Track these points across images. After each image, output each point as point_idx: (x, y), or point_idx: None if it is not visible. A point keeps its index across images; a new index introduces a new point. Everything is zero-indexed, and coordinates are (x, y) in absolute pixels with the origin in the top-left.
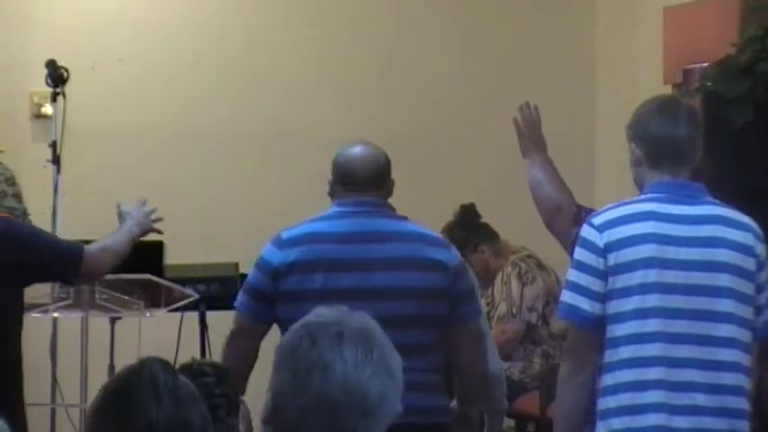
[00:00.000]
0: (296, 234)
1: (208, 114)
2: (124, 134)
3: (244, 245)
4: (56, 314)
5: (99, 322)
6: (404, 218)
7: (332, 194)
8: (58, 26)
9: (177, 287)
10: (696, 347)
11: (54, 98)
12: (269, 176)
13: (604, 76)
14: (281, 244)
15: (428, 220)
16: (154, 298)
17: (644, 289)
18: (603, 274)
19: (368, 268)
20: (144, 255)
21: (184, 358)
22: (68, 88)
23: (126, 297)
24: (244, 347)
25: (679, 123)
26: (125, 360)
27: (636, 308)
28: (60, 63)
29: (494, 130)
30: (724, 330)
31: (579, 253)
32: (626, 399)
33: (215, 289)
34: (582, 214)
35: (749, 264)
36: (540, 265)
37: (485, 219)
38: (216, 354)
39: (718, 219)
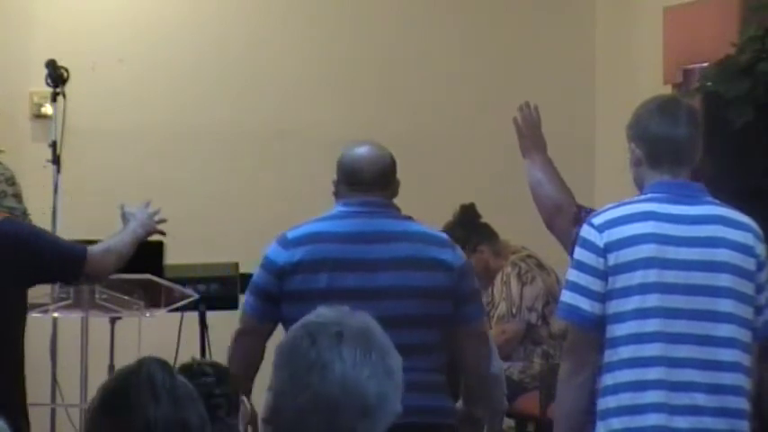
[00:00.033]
0: (301, 234)
1: (208, 114)
2: (124, 134)
3: (244, 245)
4: (56, 314)
5: (99, 322)
6: (409, 218)
7: (337, 194)
8: (58, 26)
9: (177, 287)
10: (696, 347)
11: (54, 98)
12: (269, 176)
13: (604, 76)
14: (286, 243)
15: (428, 220)
16: (154, 298)
17: (644, 289)
18: (603, 274)
19: (373, 268)
20: (144, 255)
21: (184, 358)
22: (68, 88)
23: (126, 297)
24: (250, 347)
25: (679, 123)
26: (125, 360)
27: (636, 308)
28: (60, 63)
29: (494, 130)
30: (724, 330)
31: (579, 253)
32: (626, 399)
33: (215, 289)
34: (582, 214)
35: (749, 264)
36: (540, 265)
37: (485, 219)
38: (216, 354)
39: (718, 219)
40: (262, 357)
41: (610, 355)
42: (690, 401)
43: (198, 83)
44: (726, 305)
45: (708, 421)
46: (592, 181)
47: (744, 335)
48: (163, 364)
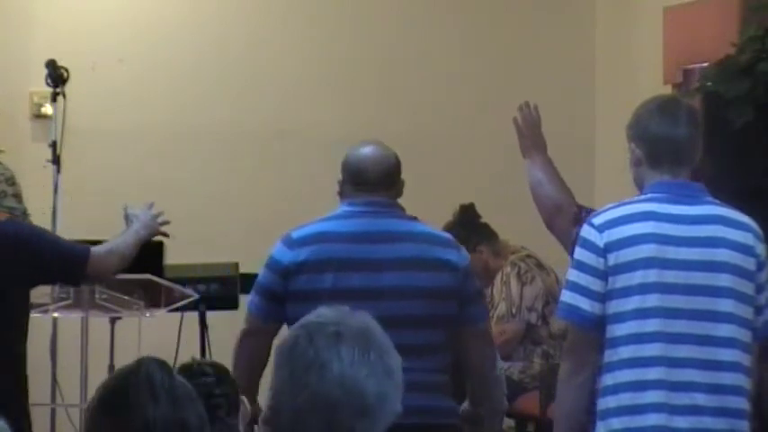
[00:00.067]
0: (306, 233)
1: (208, 114)
2: (124, 134)
3: (244, 245)
4: (56, 314)
5: (99, 322)
6: (414, 218)
7: (341, 194)
8: (58, 26)
9: (177, 287)
10: (696, 347)
11: (54, 98)
12: (269, 176)
13: (604, 76)
14: (291, 243)
15: (428, 220)
16: (154, 298)
17: (644, 289)
18: (603, 274)
19: (378, 268)
20: (144, 255)
21: (184, 358)
22: (68, 88)
23: (126, 297)
24: (255, 347)
25: (679, 123)
26: (125, 360)
27: (636, 308)
28: (60, 63)
29: (494, 130)
30: (724, 330)
31: (579, 253)
32: (626, 399)
33: (215, 289)
34: (582, 214)
35: (749, 264)
36: (540, 265)
37: (485, 219)
38: (216, 354)
39: (718, 219)
40: (268, 357)
41: (610, 355)
42: (690, 401)
43: (198, 83)
44: (726, 305)
45: (708, 421)
46: (592, 181)
47: (744, 335)
48: (161, 363)
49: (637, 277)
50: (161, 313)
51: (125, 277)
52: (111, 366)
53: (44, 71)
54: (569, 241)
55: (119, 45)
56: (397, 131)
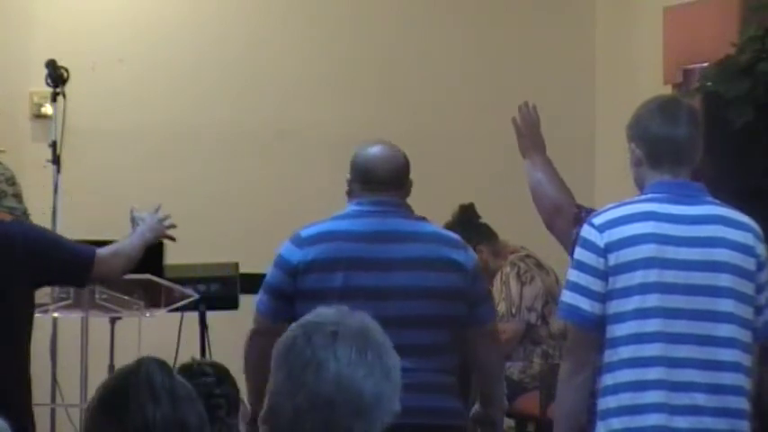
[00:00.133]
0: (315, 232)
1: (208, 114)
2: (124, 134)
3: (244, 245)
4: (56, 314)
5: (99, 322)
6: (422, 218)
7: (350, 193)
8: (58, 26)
9: (177, 287)
10: (696, 347)
11: (54, 98)
12: (269, 176)
13: (604, 76)
14: (300, 242)
15: None
16: (154, 298)
17: (644, 289)
18: (604, 274)
19: (387, 268)
20: (144, 255)
21: (184, 358)
22: (68, 88)
23: (126, 297)
24: (265, 347)
25: (679, 123)
26: (125, 360)
27: (636, 308)
28: (60, 63)
29: (494, 130)
30: (724, 330)
31: (579, 253)
32: (626, 399)
33: (215, 289)
34: (582, 214)
35: (749, 264)
36: (539, 265)
37: (484, 219)
38: (216, 354)
39: (718, 219)
40: None
41: (610, 355)
42: (690, 401)
43: (198, 83)
44: (726, 305)
45: (708, 421)
46: (592, 181)
47: (744, 335)
48: (161, 364)
49: (637, 277)
50: (161, 313)
51: (125, 277)
52: (111, 366)
53: (44, 71)
54: (569, 241)
55: (119, 45)
56: (397, 131)
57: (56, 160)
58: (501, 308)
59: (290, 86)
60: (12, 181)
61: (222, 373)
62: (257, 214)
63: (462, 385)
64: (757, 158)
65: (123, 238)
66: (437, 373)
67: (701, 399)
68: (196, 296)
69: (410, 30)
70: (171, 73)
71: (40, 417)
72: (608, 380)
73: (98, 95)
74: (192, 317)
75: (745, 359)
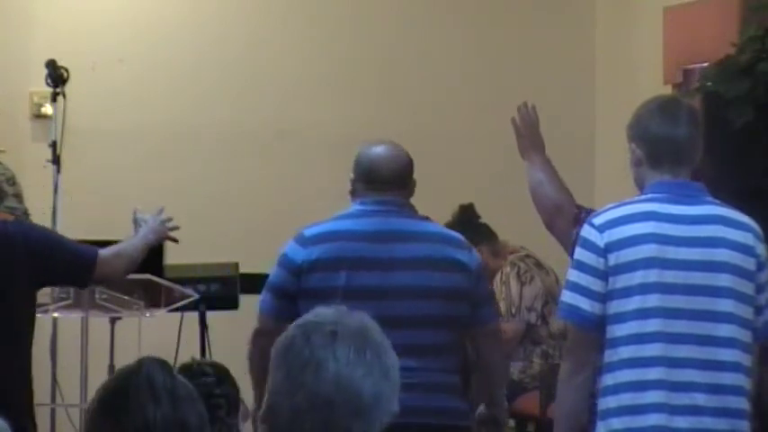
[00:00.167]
0: (319, 231)
1: (208, 114)
2: (124, 134)
3: (244, 245)
4: (56, 314)
5: (99, 322)
6: (426, 218)
7: (353, 193)
8: (58, 26)
9: (177, 287)
10: (696, 347)
11: (54, 98)
12: (269, 176)
13: (604, 76)
14: (304, 241)
15: None
16: (154, 298)
17: (644, 289)
18: (604, 275)
19: (390, 267)
20: (144, 255)
21: (184, 358)
22: (68, 88)
23: (126, 297)
24: (268, 347)
25: (679, 123)
26: (125, 360)
27: (636, 308)
28: (60, 63)
29: (494, 130)
30: (724, 330)
31: (579, 253)
32: (626, 399)
33: (215, 289)
34: (582, 215)
35: (749, 264)
36: (539, 265)
37: (485, 219)
38: (216, 354)
39: (718, 219)
40: None
41: (610, 356)
42: (690, 401)
43: (198, 83)
44: (726, 305)
45: (708, 421)
46: (592, 181)
47: (744, 335)
48: (162, 364)
49: (637, 277)
50: (161, 313)
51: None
52: (111, 366)
53: (44, 71)
54: (569, 242)
55: (119, 45)
56: (397, 131)
57: (56, 160)
58: (501, 308)
59: (290, 86)
60: (12, 181)
61: (222, 373)
62: (257, 214)
63: (462, 386)
64: (757, 158)
65: (125, 239)
66: (441, 372)
67: (701, 399)
68: (196, 296)
69: (410, 30)
70: (171, 73)
71: (40, 417)
72: (608, 380)
73: (98, 95)
74: (192, 317)
75: (745, 359)
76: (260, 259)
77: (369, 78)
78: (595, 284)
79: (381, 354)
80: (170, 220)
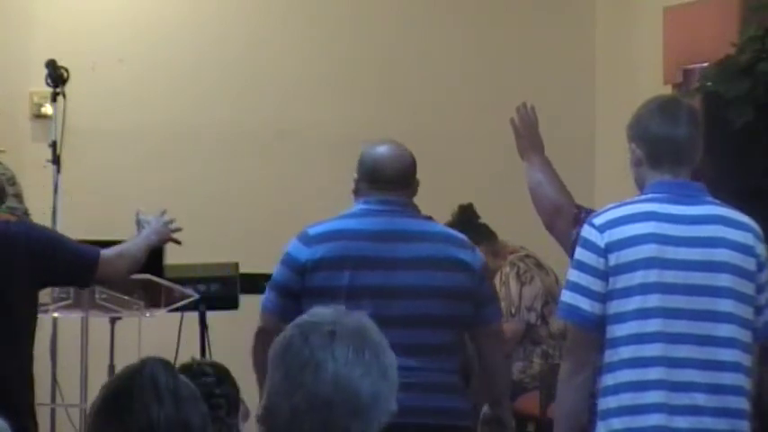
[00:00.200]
0: (323, 230)
1: (208, 114)
2: (124, 134)
3: (244, 245)
4: (56, 314)
5: (99, 322)
6: (429, 218)
7: (356, 192)
8: (58, 26)
9: (177, 287)
10: (696, 347)
11: (54, 98)
12: (269, 176)
13: (604, 76)
14: (307, 240)
15: None
16: (154, 298)
17: (644, 289)
18: (604, 275)
19: (394, 267)
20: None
21: (184, 358)
22: (68, 88)
23: (126, 297)
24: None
25: (679, 123)
26: (125, 360)
27: (637, 308)
28: (60, 63)
29: (494, 130)
30: (724, 330)
31: (580, 253)
32: (626, 399)
33: (215, 289)
34: (582, 215)
35: (749, 264)
36: (539, 265)
37: (484, 219)
38: (216, 354)
39: (718, 219)
40: None
41: (610, 356)
42: (690, 401)
43: (198, 83)
44: (726, 305)
45: (708, 421)
46: (592, 181)
47: (744, 335)
48: (166, 364)
49: (637, 277)
50: (161, 313)
51: None
52: (111, 366)
53: (44, 71)
54: (569, 242)
55: (119, 45)
56: (397, 131)
57: (56, 160)
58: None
59: (290, 86)
60: (12, 181)
61: (222, 373)
62: (257, 214)
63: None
64: (757, 158)
65: (127, 239)
66: (443, 372)
67: (700, 399)
68: (196, 296)
69: (410, 30)
70: (171, 73)
71: (40, 417)
72: (608, 380)
73: (98, 95)
74: (192, 317)
75: (745, 359)
76: (260, 259)
77: (369, 78)
78: (595, 284)
79: (380, 353)
80: (173, 221)
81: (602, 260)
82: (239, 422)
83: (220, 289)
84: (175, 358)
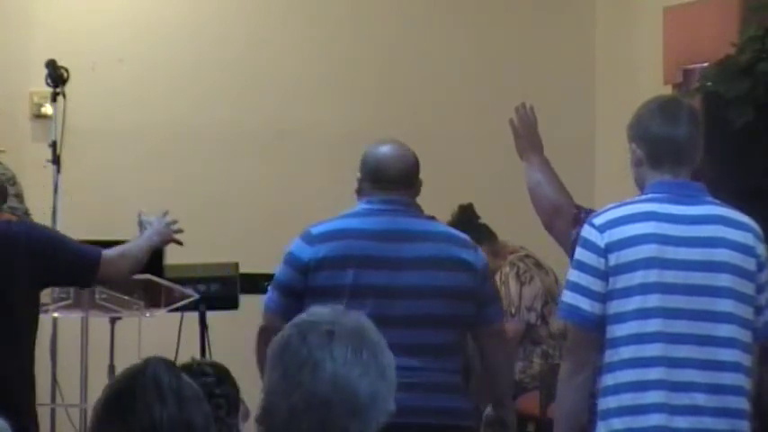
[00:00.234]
0: (326, 230)
1: (208, 114)
2: (124, 134)
3: (244, 245)
4: (56, 314)
5: (99, 322)
6: (432, 218)
7: (359, 192)
8: (58, 26)
9: (177, 287)
10: (696, 347)
11: (54, 98)
12: (269, 176)
13: (604, 76)
14: (310, 239)
15: None
16: (154, 298)
17: (645, 289)
18: (604, 275)
19: (397, 267)
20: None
21: (184, 358)
22: (68, 88)
23: (126, 297)
24: None
25: (680, 123)
26: (125, 360)
27: (637, 308)
28: (60, 63)
29: (494, 130)
30: (724, 330)
31: (580, 253)
32: (627, 399)
33: (215, 289)
34: (581, 215)
35: (749, 264)
36: (539, 265)
37: (484, 219)
38: (216, 354)
39: (718, 219)
40: None
41: (610, 356)
42: (690, 401)
43: (198, 83)
44: (726, 305)
45: (708, 421)
46: (592, 181)
47: (744, 335)
48: (169, 364)
49: (637, 277)
50: (161, 313)
51: None
52: (111, 366)
53: (44, 71)
54: (568, 242)
55: (119, 45)
56: (397, 131)
57: (56, 160)
58: None
59: (290, 86)
60: (13, 181)
61: (222, 373)
62: (257, 214)
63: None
64: (757, 158)
65: (127, 239)
66: (445, 372)
67: (700, 399)
68: (196, 296)
69: (410, 30)
70: (171, 73)
71: (41, 417)
72: (609, 380)
73: (98, 95)
74: (192, 317)
75: (745, 359)
76: (260, 259)
77: (369, 78)
78: (596, 284)
79: (378, 353)
80: (175, 222)
81: (602, 260)
82: (239, 422)
83: (220, 289)
84: (175, 358)
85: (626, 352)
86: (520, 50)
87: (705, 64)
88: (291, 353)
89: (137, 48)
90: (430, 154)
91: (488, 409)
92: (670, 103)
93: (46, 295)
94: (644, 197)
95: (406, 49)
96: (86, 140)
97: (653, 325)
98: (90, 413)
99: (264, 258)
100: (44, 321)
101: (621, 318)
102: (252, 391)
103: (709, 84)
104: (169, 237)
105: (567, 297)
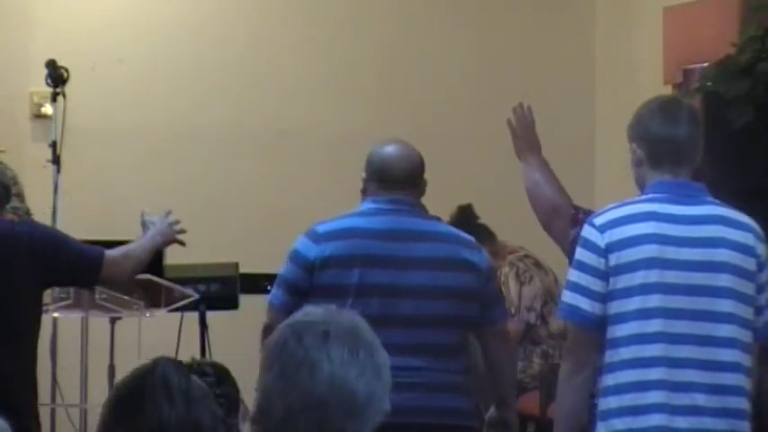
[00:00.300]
0: (332, 228)
1: (208, 114)
2: (124, 134)
3: (244, 245)
4: (56, 314)
5: (99, 322)
6: (436, 218)
7: (364, 191)
8: (58, 26)
9: (177, 287)
10: (697, 348)
11: (54, 98)
12: (269, 176)
13: (604, 76)
14: (316, 238)
15: None
16: (154, 298)
17: (645, 289)
18: (604, 275)
19: (403, 266)
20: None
21: (184, 358)
22: (68, 88)
23: (126, 297)
24: None
25: (680, 123)
26: (125, 360)
27: (637, 308)
28: (60, 63)
29: (494, 130)
30: (724, 331)
31: (580, 253)
32: (628, 399)
33: (215, 289)
34: (580, 215)
35: (750, 264)
36: (538, 265)
37: (484, 219)
38: (216, 354)
39: (718, 219)
40: None
41: (611, 356)
42: (690, 402)
43: (198, 83)
44: (726, 305)
45: (708, 422)
46: (592, 181)
47: (744, 335)
48: (177, 364)
49: (638, 278)
50: (161, 313)
51: None
52: (112, 366)
53: (44, 71)
54: (567, 243)
55: (119, 45)
56: (397, 131)
57: (56, 160)
58: None
59: (290, 86)
60: (14, 180)
61: (222, 373)
62: (257, 214)
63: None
64: (757, 158)
65: (127, 239)
66: (448, 373)
67: (701, 399)
68: (196, 296)
69: (410, 30)
70: (171, 73)
71: (41, 417)
72: (609, 380)
73: (98, 95)
74: (192, 317)
75: (746, 359)
76: (260, 259)
77: (369, 78)
78: (596, 285)
79: (373, 353)
80: (177, 222)
81: (602, 260)
82: (239, 422)
83: (220, 289)
84: (175, 358)
85: (626, 352)
86: (520, 50)
87: (705, 64)
88: (288, 353)
89: (137, 48)
90: (430, 154)
91: (491, 410)
92: (670, 103)
93: (46, 295)
94: (644, 197)
95: (406, 49)
96: (86, 140)
97: (654, 325)
98: (90, 413)
99: (264, 258)
100: (44, 321)
101: (622, 318)
102: (252, 391)
103: (709, 84)
104: (172, 237)
105: (567, 297)
